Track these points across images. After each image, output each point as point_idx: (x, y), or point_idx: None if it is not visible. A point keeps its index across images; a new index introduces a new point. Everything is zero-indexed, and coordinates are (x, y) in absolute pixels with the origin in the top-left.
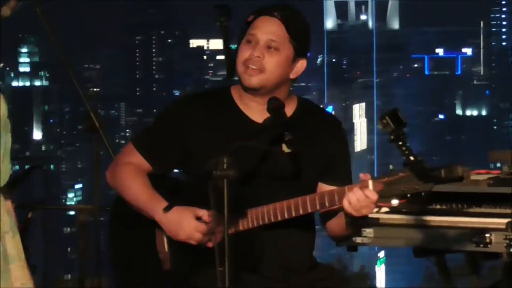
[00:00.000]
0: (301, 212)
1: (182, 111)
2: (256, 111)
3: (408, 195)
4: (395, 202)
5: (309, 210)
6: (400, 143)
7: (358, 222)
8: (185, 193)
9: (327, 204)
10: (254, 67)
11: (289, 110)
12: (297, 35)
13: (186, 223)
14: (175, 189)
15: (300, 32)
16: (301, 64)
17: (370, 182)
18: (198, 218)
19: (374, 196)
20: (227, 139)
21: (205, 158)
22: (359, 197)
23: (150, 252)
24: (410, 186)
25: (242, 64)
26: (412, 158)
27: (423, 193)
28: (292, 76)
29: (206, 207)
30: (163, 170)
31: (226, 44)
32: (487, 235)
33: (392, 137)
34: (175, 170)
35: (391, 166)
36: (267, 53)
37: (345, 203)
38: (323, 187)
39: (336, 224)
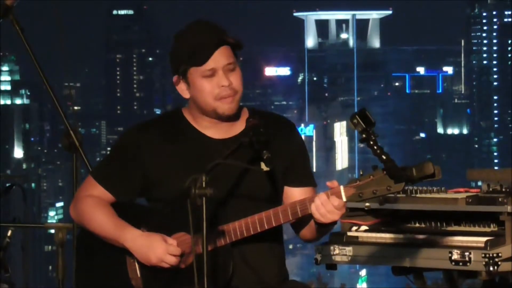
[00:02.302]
0: (273, 223)
1: (136, 139)
2: (213, 129)
3: (381, 198)
4: (367, 204)
5: (282, 221)
6: (371, 142)
7: (325, 229)
8: (151, 219)
9: (299, 213)
10: (229, 96)
11: (243, 121)
12: (237, 45)
13: (156, 247)
14: (141, 216)
15: (239, 44)
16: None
17: (341, 188)
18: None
19: (335, 202)
20: (188, 160)
21: (168, 183)
22: (323, 201)
23: (122, 278)
24: (382, 187)
25: (214, 99)
26: (384, 157)
27: (394, 194)
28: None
29: (174, 231)
30: (126, 199)
31: None
32: (466, 253)
33: (363, 135)
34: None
35: (361, 171)
36: (230, 76)
37: (312, 208)
38: (289, 191)
39: (308, 231)
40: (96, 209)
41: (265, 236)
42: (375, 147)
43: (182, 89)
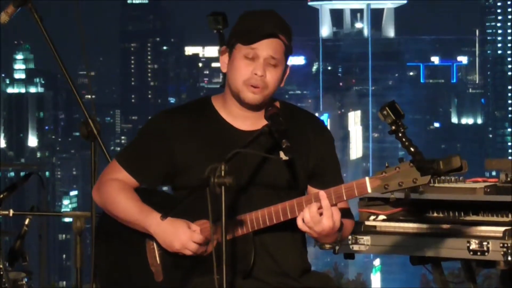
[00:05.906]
0: (289, 216)
1: (164, 126)
2: (241, 119)
3: (406, 189)
4: (393, 196)
5: (297, 214)
6: (400, 134)
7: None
8: (173, 206)
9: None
10: (258, 86)
11: None
12: (290, 49)
13: (181, 233)
14: (164, 203)
15: (291, 45)
16: (288, 71)
17: (367, 179)
18: None
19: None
20: (213, 150)
21: (192, 171)
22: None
23: (142, 264)
24: (407, 180)
25: (243, 83)
26: (412, 149)
27: (420, 187)
28: (281, 85)
29: (197, 219)
30: (149, 185)
31: None
32: (484, 243)
33: (393, 127)
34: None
35: (386, 163)
36: (267, 70)
37: (299, 222)
38: (313, 191)
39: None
40: (121, 193)
41: (287, 226)
42: (404, 139)
43: (223, 61)
